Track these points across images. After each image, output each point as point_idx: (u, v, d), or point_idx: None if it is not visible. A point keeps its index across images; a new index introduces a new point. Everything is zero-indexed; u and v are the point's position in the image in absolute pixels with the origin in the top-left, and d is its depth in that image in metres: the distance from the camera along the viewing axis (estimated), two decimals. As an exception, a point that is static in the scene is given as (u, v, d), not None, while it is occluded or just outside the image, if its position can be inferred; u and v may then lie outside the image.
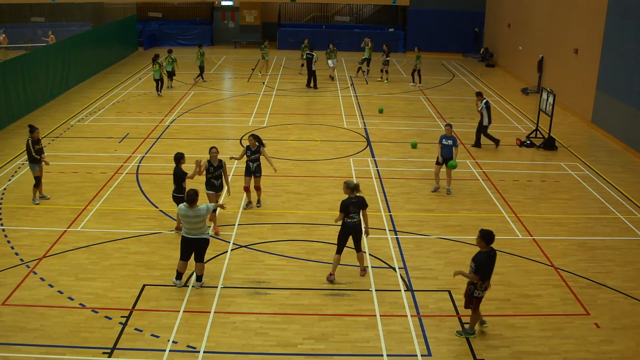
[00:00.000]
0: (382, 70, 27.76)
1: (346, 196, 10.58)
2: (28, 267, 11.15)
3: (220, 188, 12.54)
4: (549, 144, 18.53)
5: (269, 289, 10.65)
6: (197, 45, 28.43)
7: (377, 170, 16.43)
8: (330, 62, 27.85)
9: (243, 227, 12.97)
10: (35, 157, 13.58)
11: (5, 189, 14.74)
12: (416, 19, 35.55)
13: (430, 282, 10.98)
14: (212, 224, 12.55)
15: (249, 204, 13.61)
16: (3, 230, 12.62)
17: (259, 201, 13.91)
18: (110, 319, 9.64)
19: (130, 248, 11.97)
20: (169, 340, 9.15)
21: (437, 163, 14.75)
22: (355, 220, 10.52)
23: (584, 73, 21.72)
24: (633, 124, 18.45)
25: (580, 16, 22.41)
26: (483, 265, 8.94)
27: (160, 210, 13.72)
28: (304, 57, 26.46)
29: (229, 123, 21.19)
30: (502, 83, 28.37)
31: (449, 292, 10.57)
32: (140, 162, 16.64)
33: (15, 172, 15.83)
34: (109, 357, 8.76)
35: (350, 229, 10.57)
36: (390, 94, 25.57)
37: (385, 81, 27.60)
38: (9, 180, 15.29)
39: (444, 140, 14.58)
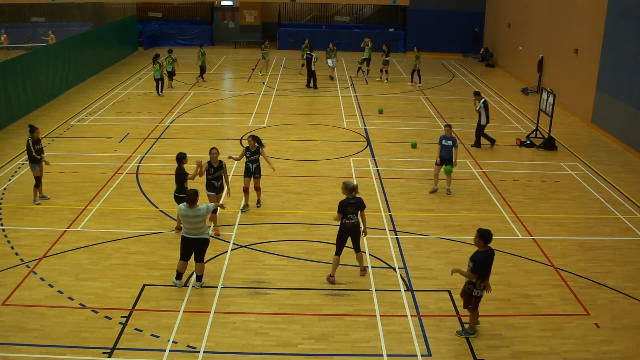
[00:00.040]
0: (381, 70, 27.77)
1: (344, 197, 10.58)
2: (28, 267, 11.15)
3: (221, 189, 12.52)
4: (549, 144, 18.54)
5: (269, 289, 10.65)
6: (199, 45, 28.40)
7: (377, 170, 16.43)
8: (329, 61, 27.86)
9: (243, 227, 12.97)
10: (35, 157, 13.58)
11: (5, 189, 14.75)
12: (416, 19, 35.55)
13: (430, 282, 10.98)
14: (212, 225, 12.54)
15: (245, 206, 13.55)
16: (3, 230, 12.62)
17: (258, 201, 13.91)
18: (110, 319, 9.64)
19: (130, 248, 11.97)
20: (169, 340, 9.15)
21: (437, 164, 14.75)
22: (353, 221, 10.52)
23: (584, 73, 21.72)
24: (633, 124, 18.45)
25: (580, 16, 22.41)
26: (481, 264, 8.94)
27: (160, 210, 13.72)
28: (304, 57, 26.47)
29: (229, 123, 21.20)
30: (502, 83, 28.38)
31: (449, 292, 10.57)
32: (140, 162, 16.64)
33: (15, 172, 15.83)
34: (109, 357, 8.76)
35: (349, 230, 10.57)
36: (390, 94, 25.58)
37: (385, 81, 27.60)
38: (9, 180, 15.29)
39: (443, 140, 14.58)
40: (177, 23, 38.17)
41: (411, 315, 9.94)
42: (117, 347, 8.96)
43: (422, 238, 12.67)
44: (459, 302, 9.89)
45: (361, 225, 10.73)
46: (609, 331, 9.63)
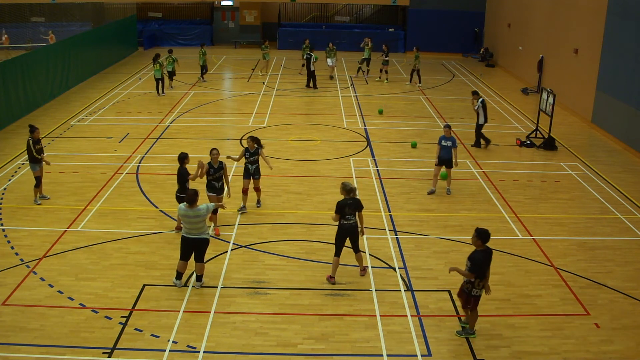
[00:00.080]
0: (381, 70, 27.78)
1: (342, 197, 10.58)
2: (28, 267, 11.15)
3: (221, 190, 12.48)
4: (549, 144, 18.54)
5: (269, 289, 10.65)
6: (200, 44, 28.37)
7: (377, 170, 16.43)
8: (329, 61, 27.87)
9: (243, 227, 12.97)
10: (36, 157, 13.58)
11: (5, 189, 14.75)
12: (416, 19, 35.55)
13: (430, 282, 10.98)
14: (212, 225, 12.54)
15: (243, 207, 13.51)
16: (3, 230, 12.62)
17: (258, 201, 13.91)
18: (110, 319, 9.64)
19: (130, 248, 11.97)
20: (169, 340, 9.15)
21: (437, 164, 14.74)
22: (351, 221, 10.52)
23: (584, 73, 21.72)
24: (633, 124, 18.45)
25: (580, 16, 22.41)
26: (479, 264, 8.95)
27: (160, 210, 13.72)
28: (305, 57, 26.47)
29: (229, 123, 21.20)
30: (502, 83, 28.38)
31: (449, 292, 10.57)
32: (140, 162, 16.64)
33: (15, 172, 15.83)
34: (109, 357, 8.76)
35: (347, 230, 10.56)
36: (390, 94, 25.58)
37: (385, 81, 27.60)
38: (9, 180, 15.29)
39: (443, 141, 14.58)
40: (177, 23, 38.17)
41: (411, 315, 9.94)
42: (117, 347, 8.96)
43: (422, 238, 12.67)
44: (459, 303, 9.89)
45: (359, 225, 10.73)
46: (609, 331, 9.63)
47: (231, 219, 13.18)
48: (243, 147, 15.11)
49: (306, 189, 15.07)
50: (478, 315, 9.38)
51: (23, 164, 16.20)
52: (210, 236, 11.62)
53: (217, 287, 10.62)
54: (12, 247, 11.87)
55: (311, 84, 26.01)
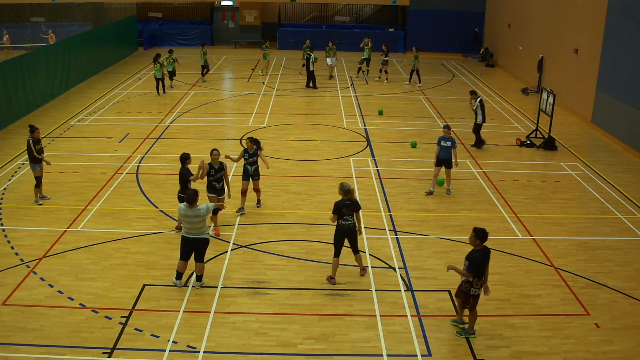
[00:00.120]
0: (381, 70, 27.79)
1: (339, 197, 10.57)
2: (28, 267, 11.15)
3: (222, 191, 12.42)
4: (549, 144, 18.54)
5: (269, 289, 10.65)
6: (201, 44, 28.31)
7: (377, 170, 16.43)
8: (329, 60, 27.88)
9: (243, 227, 12.97)
10: (36, 157, 13.58)
11: (5, 189, 14.75)
12: (416, 19, 35.55)
13: (430, 282, 10.98)
14: (212, 225, 12.54)
15: (241, 209, 13.49)
16: (3, 230, 12.62)
17: (258, 201, 13.90)
18: (110, 319, 9.64)
19: (130, 248, 11.97)
20: (169, 340, 9.15)
21: (437, 165, 14.72)
22: (349, 222, 10.51)
23: (584, 73, 21.72)
24: (633, 124, 18.45)
25: (580, 16, 22.41)
26: (477, 263, 8.95)
27: (160, 210, 13.72)
28: (305, 57, 26.47)
29: (229, 123, 21.19)
30: (502, 83, 28.37)
31: (449, 292, 10.56)
32: (140, 162, 16.64)
33: (15, 172, 15.83)
34: (109, 357, 8.76)
35: (345, 231, 10.56)
36: (390, 94, 25.58)
37: (385, 81, 27.61)
38: (9, 180, 15.29)
39: (442, 141, 14.57)
40: (177, 23, 38.17)
41: (411, 315, 9.94)
42: (117, 347, 8.96)
43: (422, 238, 12.67)
44: (458, 302, 9.88)
45: (357, 225, 10.73)
46: (609, 331, 9.63)
47: (231, 219, 13.18)
48: (243, 147, 15.10)
49: (306, 189, 15.07)
50: (477, 315, 9.39)
51: (23, 164, 16.20)
52: (210, 236, 11.62)
53: (217, 287, 10.62)
54: (12, 247, 11.87)
55: (311, 84, 26.01)
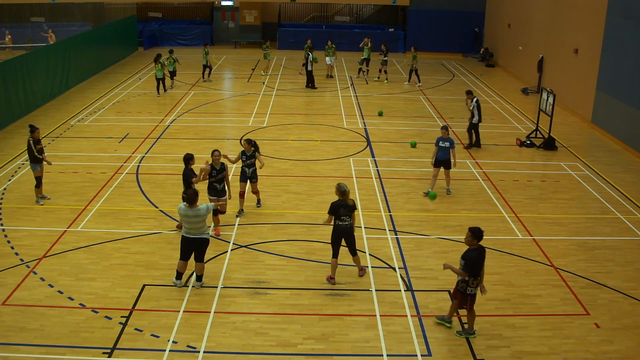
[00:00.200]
0: (380, 71, 27.80)
1: (336, 198, 10.57)
2: (28, 267, 11.15)
3: (223, 192, 12.34)
4: (549, 144, 18.54)
5: (269, 289, 10.65)
6: (203, 44, 28.26)
7: (377, 170, 16.43)
8: (328, 59, 27.88)
9: (243, 227, 12.97)
10: (37, 156, 13.59)
11: (5, 189, 14.75)
12: (416, 19, 35.54)
13: (430, 282, 10.98)
14: (212, 225, 12.53)
15: (240, 211, 13.44)
16: (3, 230, 12.62)
17: (258, 201, 13.89)
18: (110, 319, 9.64)
19: (130, 248, 11.97)
20: (169, 340, 9.15)
21: (435, 165, 14.69)
22: (346, 223, 10.50)
23: (584, 73, 21.72)
24: (633, 124, 18.45)
25: (580, 16, 22.41)
26: (473, 262, 8.97)
27: (160, 210, 13.72)
28: (305, 57, 26.47)
29: (229, 123, 21.19)
30: (502, 83, 28.37)
31: (449, 292, 10.55)
32: (140, 162, 16.64)
33: (15, 172, 15.83)
34: (109, 357, 8.76)
35: (342, 232, 10.54)
36: (390, 94, 25.58)
37: (385, 81, 27.61)
38: (9, 180, 15.29)
39: (440, 142, 14.54)
40: (177, 23, 38.16)
41: (411, 315, 9.94)
42: (117, 347, 8.96)
43: (422, 238, 12.67)
44: (455, 302, 9.87)
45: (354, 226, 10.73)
46: (609, 331, 9.64)
47: (231, 219, 13.18)
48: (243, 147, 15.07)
49: (306, 189, 15.07)
50: (475, 314, 9.39)
51: (23, 164, 16.20)
52: (210, 236, 11.61)
53: (217, 287, 10.62)
54: (12, 247, 11.87)
55: (309, 85, 25.99)
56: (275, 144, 18.47)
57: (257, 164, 13.28)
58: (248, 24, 38.05)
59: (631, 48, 18.60)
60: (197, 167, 12.34)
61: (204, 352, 8.93)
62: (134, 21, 35.18)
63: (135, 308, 9.96)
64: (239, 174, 13.61)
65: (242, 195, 13.35)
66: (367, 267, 11.34)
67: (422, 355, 8.98)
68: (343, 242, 10.67)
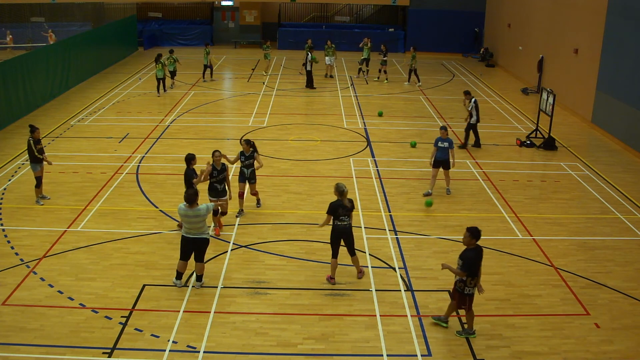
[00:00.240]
0: (380, 71, 27.81)
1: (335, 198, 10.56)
2: (28, 267, 11.15)
3: (224, 193, 12.33)
4: (549, 144, 18.54)
5: (269, 289, 10.65)
6: (204, 44, 28.24)
7: (377, 170, 16.43)
8: (327, 59, 27.88)
9: (243, 227, 12.97)
10: (37, 156, 13.59)
11: (5, 189, 14.75)
12: (416, 19, 35.54)
13: (430, 282, 10.98)
14: (212, 225, 12.52)
15: (240, 211, 13.44)
16: (3, 230, 12.62)
17: (258, 201, 13.89)
18: (110, 319, 9.64)
19: (130, 248, 11.97)
20: (169, 340, 9.15)
21: (434, 166, 14.68)
22: (345, 223, 10.50)
23: (584, 73, 21.72)
24: (633, 124, 18.45)
25: (580, 16, 22.41)
26: (471, 262, 8.97)
27: (160, 210, 13.72)
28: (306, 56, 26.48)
29: (229, 123, 21.19)
30: (502, 83, 28.37)
31: (449, 292, 10.54)
32: (140, 162, 16.64)
33: (15, 172, 15.83)
34: (109, 357, 8.76)
35: (341, 232, 10.54)
36: (390, 94, 25.58)
37: (385, 81, 27.61)
38: (9, 180, 15.29)
39: (439, 142, 14.53)
40: (177, 23, 38.16)
41: (411, 315, 9.94)
42: (117, 347, 8.96)
43: (422, 238, 12.67)
44: (453, 302, 9.86)
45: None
46: (609, 331, 9.64)
47: (231, 219, 13.17)
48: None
49: (306, 189, 15.07)
50: (474, 314, 9.38)
51: (23, 164, 16.20)
52: (210, 236, 11.61)
53: (217, 287, 10.62)
54: (12, 247, 11.87)
55: (308, 85, 25.98)
56: (275, 144, 18.47)
57: (256, 164, 13.27)
58: (248, 24, 38.05)
59: (631, 48, 18.60)
60: (198, 167, 12.33)
61: (204, 352, 8.93)
62: (134, 21, 35.18)
63: (135, 308, 9.96)
64: (238, 174, 13.61)
65: (241, 195, 13.34)
66: (367, 266, 11.33)
67: (422, 355, 8.98)
68: (342, 242, 10.67)
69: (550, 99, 18.49)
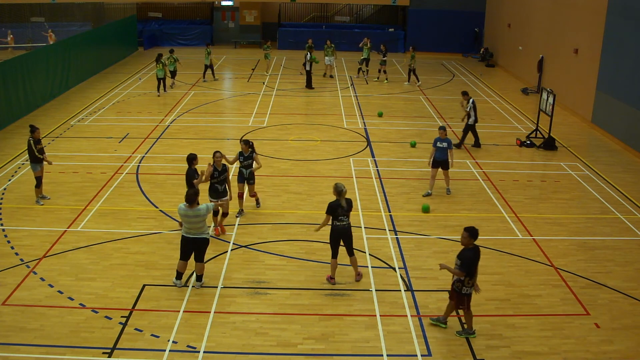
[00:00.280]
0: (379, 71, 27.81)
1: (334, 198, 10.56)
2: (28, 267, 11.15)
3: (224, 194, 12.31)
4: (549, 144, 18.54)
5: (269, 289, 10.65)
6: (206, 44, 28.23)
7: (377, 170, 16.43)
8: (327, 59, 27.87)
9: (243, 227, 12.97)
10: (37, 156, 13.59)
11: (5, 189, 14.75)
12: (416, 19, 35.55)
13: (430, 282, 10.98)
14: (212, 225, 12.51)
15: (240, 211, 13.43)
16: (3, 230, 12.62)
17: (257, 202, 13.88)
18: (110, 319, 9.64)
19: (130, 248, 11.97)
20: (169, 340, 9.15)
21: (433, 166, 14.68)
22: (344, 223, 10.49)
23: (584, 73, 21.72)
24: (633, 124, 18.45)
25: (580, 16, 22.41)
26: (469, 262, 8.98)
27: (160, 210, 13.72)
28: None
29: (229, 123, 21.19)
30: (502, 83, 28.37)
31: (449, 292, 10.54)
32: (140, 162, 16.64)
33: (15, 172, 15.83)
34: (109, 357, 8.76)
35: (340, 232, 10.52)
36: (390, 94, 25.58)
37: (385, 81, 27.61)
38: (9, 180, 15.30)
39: (438, 142, 14.53)
40: (177, 23, 38.17)
41: (411, 315, 9.94)
42: (117, 347, 8.96)
43: (422, 238, 12.67)
44: (451, 303, 9.85)
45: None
46: (609, 331, 9.64)
47: (231, 219, 13.17)
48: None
49: (306, 189, 15.07)
50: (472, 314, 9.38)
51: (23, 164, 16.20)
52: (210, 236, 11.61)
53: (217, 287, 10.62)
54: (12, 247, 11.87)
55: (307, 85, 25.98)
56: (275, 144, 18.47)
57: (255, 165, 13.26)
58: (248, 24, 38.05)
59: (631, 48, 18.60)
60: (198, 167, 12.33)
61: (204, 352, 8.93)
62: (134, 21, 35.18)
63: (135, 308, 9.96)
64: (237, 175, 13.60)
65: (240, 196, 13.34)
66: (367, 266, 11.32)
67: (422, 355, 8.98)
68: (341, 242, 10.67)
69: (550, 99, 18.49)
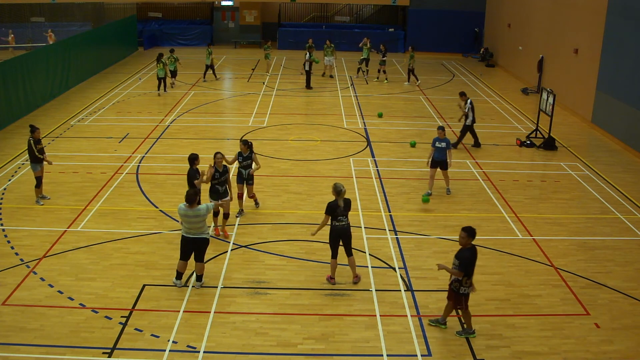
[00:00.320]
0: (379, 71, 27.81)
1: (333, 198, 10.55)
2: (28, 267, 11.15)
3: (225, 194, 12.28)
4: (549, 144, 18.54)
5: (269, 289, 10.65)
6: (207, 45, 28.19)
7: (377, 170, 16.43)
8: (327, 59, 27.87)
9: (243, 227, 12.97)
10: (38, 156, 13.59)
11: (5, 189, 14.75)
12: (416, 19, 35.55)
13: (430, 282, 10.98)
14: (212, 225, 12.50)
15: (240, 211, 13.43)
16: (3, 230, 12.62)
17: (256, 202, 13.85)
18: (110, 319, 9.65)
19: (130, 248, 11.97)
20: (169, 340, 9.15)
21: (432, 166, 14.67)
22: (343, 223, 10.49)
23: (584, 73, 21.72)
24: (633, 124, 18.45)
25: (580, 16, 22.42)
26: (467, 262, 8.98)
27: (160, 210, 13.72)
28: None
29: (229, 123, 21.19)
30: (502, 83, 28.37)
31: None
32: (140, 162, 16.64)
33: (15, 172, 15.83)
34: (109, 357, 8.76)
35: (339, 232, 10.51)
36: (390, 94, 25.58)
37: (385, 81, 27.62)
38: (9, 180, 15.30)
39: (437, 142, 14.52)
40: (177, 23, 38.17)
41: (411, 315, 9.94)
42: (117, 347, 8.96)
43: (422, 238, 12.67)
44: (450, 304, 9.85)
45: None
46: (609, 331, 9.64)
47: (231, 219, 13.16)
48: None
49: (306, 189, 15.07)
50: (470, 314, 9.38)
51: (23, 164, 16.20)
52: (210, 236, 11.61)
53: (217, 287, 10.62)
54: (12, 247, 11.87)
55: (306, 85, 25.98)
56: (275, 144, 18.47)
57: (254, 165, 13.26)
58: (248, 24, 38.05)
59: (631, 48, 18.60)
60: (200, 167, 12.32)
61: (204, 352, 8.93)
62: (134, 21, 35.18)
63: (135, 308, 9.96)
64: (236, 175, 13.59)
65: (240, 196, 13.34)
66: (367, 266, 11.32)
67: (422, 355, 8.98)
68: (341, 242, 10.66)
69: (550, 99, 18.49)
